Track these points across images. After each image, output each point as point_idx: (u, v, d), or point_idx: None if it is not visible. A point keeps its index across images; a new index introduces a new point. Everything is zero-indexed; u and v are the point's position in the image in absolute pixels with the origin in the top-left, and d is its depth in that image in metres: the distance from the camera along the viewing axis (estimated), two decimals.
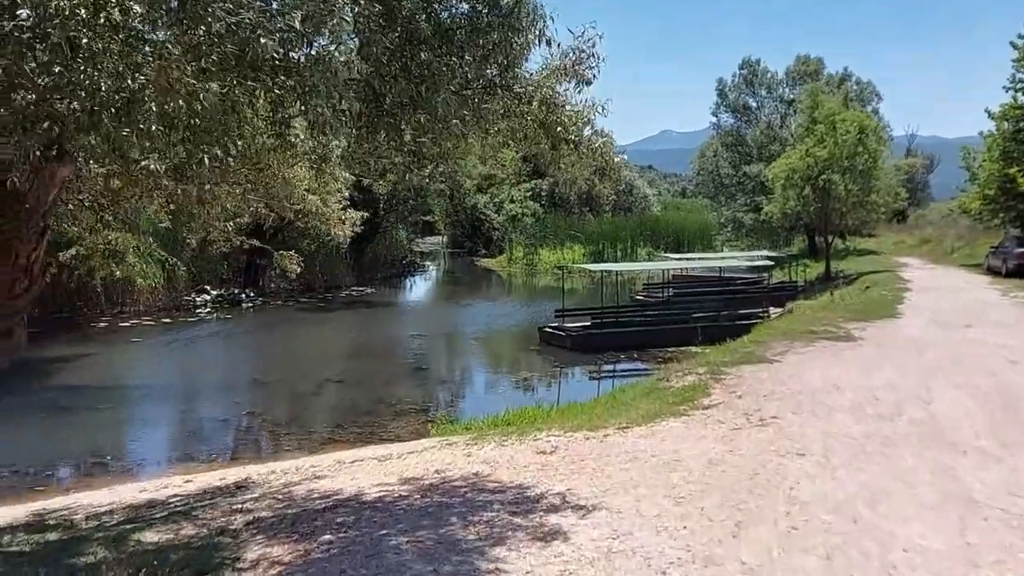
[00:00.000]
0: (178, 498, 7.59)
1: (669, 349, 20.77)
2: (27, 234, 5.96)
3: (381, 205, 37.58)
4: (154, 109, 3.28)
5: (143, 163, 3.81)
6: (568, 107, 6.01)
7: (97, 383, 15.92)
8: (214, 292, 26.95)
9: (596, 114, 5.94)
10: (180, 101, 3.30)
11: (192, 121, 3.54)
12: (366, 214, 29.02)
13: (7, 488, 10.04)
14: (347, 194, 29.83)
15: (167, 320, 23.62)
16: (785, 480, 6.18)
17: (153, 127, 3.31)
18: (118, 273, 10.27)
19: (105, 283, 24.58)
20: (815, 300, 27.36)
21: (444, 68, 4.96)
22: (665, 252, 50.30)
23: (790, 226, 42.24)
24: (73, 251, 9.10)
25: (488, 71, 5.40)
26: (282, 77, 3.95)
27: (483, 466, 7.14)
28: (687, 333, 21.88)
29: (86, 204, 7.02)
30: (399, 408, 14.39)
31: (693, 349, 20.86)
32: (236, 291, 27.63)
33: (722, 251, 48.27)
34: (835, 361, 11.87)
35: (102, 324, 22.36)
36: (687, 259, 33.47)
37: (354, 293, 32.03)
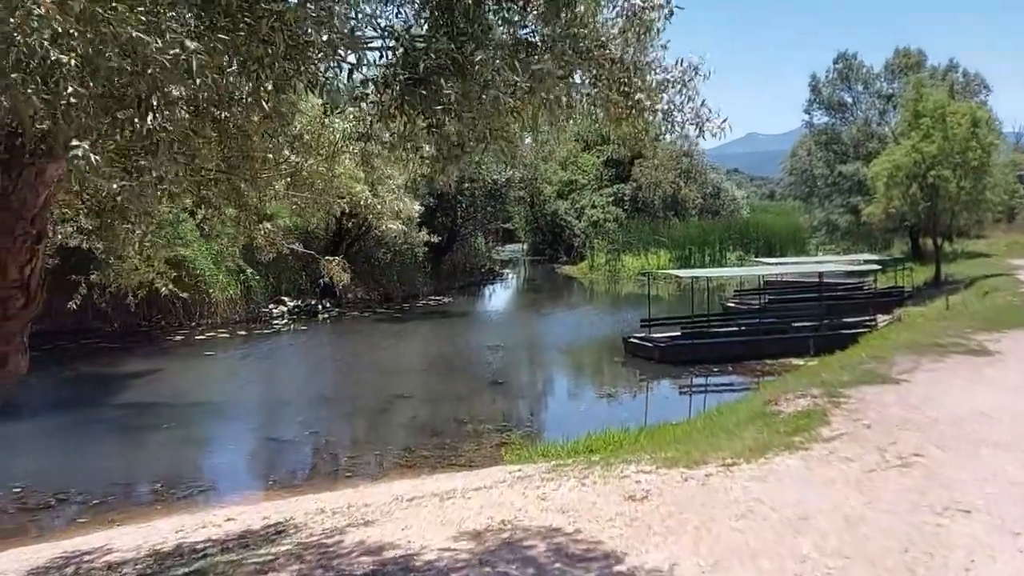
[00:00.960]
0: (209, 543, 6.62)
1: (767, 361, 19.10)
2: (17, 244, 5.05)
3: (459, 213, 36.82)
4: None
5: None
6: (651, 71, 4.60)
7: (164, 400, 15.39)
8: (291, 303, 26.55)
9: (691, 76, 4.53)
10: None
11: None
12: (419, 207, 28.06)
13: (52, 518, 9.37)
14: (412, 197, 29.15)
15: (242, 333, 23.23)
16: (952, 553, 4.71)
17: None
18: (164, 290, 9.40)
19: (182, 296, 24.53)
20: (927, 307, 25.01)
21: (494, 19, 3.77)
22: (756, 257, 47.94)
23: (892, 228, 39.41)
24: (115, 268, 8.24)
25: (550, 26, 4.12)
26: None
27: (559, 517, 5.88)
28: (787, 344, 20.11)
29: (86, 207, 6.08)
30: (472, 427, 13.29)
31: (795, 362, 19.14)
32: (312, 302, 27.15)
33: (816, 255, 45.64)
34: (975, 381, 10.13)
35: (178, 337, 22.11)
36: (784, 263, 31.24)
37: (432, 303, 31.25)
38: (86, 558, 6.64)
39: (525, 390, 17.23)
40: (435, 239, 30.56)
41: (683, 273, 23.94)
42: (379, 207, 21.04)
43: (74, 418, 13.82)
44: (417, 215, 29.26)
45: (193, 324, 24.03)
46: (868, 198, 46.83)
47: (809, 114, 49.10)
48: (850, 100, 48.58)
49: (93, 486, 10.41)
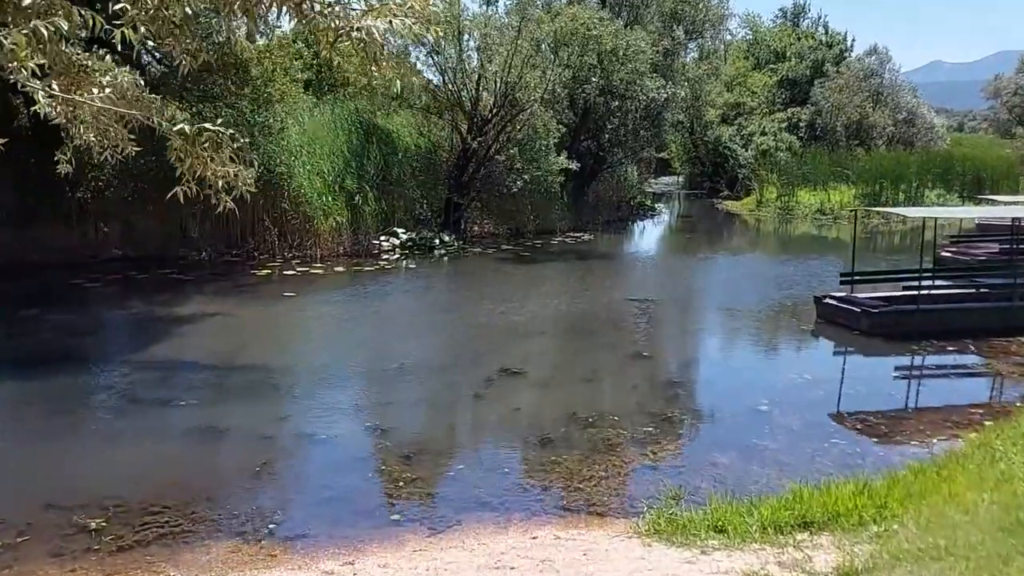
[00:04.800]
0: None
1: (1022, 339, 13.49)
2: None
3: (607, 136, 31.73)
4: None
5: None
6: None
7: (199, 359, 11.92)
8: (404, 235, 22.83)
9: None
10: None
11: None
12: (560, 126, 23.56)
13: None
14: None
15: (339, 269, 19.70)
16: None
17: None
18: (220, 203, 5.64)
19: (282, 223, 21.34)
20: None
21: None
22: (961, 196, 39.97)
23: None
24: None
25: None
26: None
27: None
28: None
29: None
30: (598, 434, 8.89)
31: None
32: (430, 235, 23.33)
33: None
34: None
35: (264, 272, 18.84)
36: None
37: (569, 240, 26.74)
38: None
39: (679, 371, 12.54)
40: (575, 166, 25.86)
41: (912, 212, 18.05)
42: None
43: (61, 384, 10.55)
44: (556, 134, 24.68)
45: (289, 256, 20.80)
46: None
47: None
48: None
49: (27, 502, 6.95)
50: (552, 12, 26.09)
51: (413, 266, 20.66)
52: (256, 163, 8.11)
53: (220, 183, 5.57)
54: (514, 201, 26.43)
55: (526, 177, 24.28)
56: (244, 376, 11.20)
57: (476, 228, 26.76)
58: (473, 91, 24.36)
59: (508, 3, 26.61)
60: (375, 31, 4.33)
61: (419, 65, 24.96)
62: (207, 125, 5.30)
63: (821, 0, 57.64)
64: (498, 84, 23.70)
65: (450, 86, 24.60)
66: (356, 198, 22.11)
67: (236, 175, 5.58)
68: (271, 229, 21.00)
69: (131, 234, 20.26)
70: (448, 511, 6.96)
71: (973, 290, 15.59)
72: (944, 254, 21.34)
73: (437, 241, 23.15)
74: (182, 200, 5.59)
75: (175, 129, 5.14)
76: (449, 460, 8.33)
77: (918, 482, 6.39)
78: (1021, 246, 18.39)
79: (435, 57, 24.08)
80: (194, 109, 19.87)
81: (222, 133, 5.37)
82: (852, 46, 51.68)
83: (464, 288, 18.91)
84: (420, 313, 16.04)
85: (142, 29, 4.77)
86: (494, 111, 24.06)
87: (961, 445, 8.39)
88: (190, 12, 4.83)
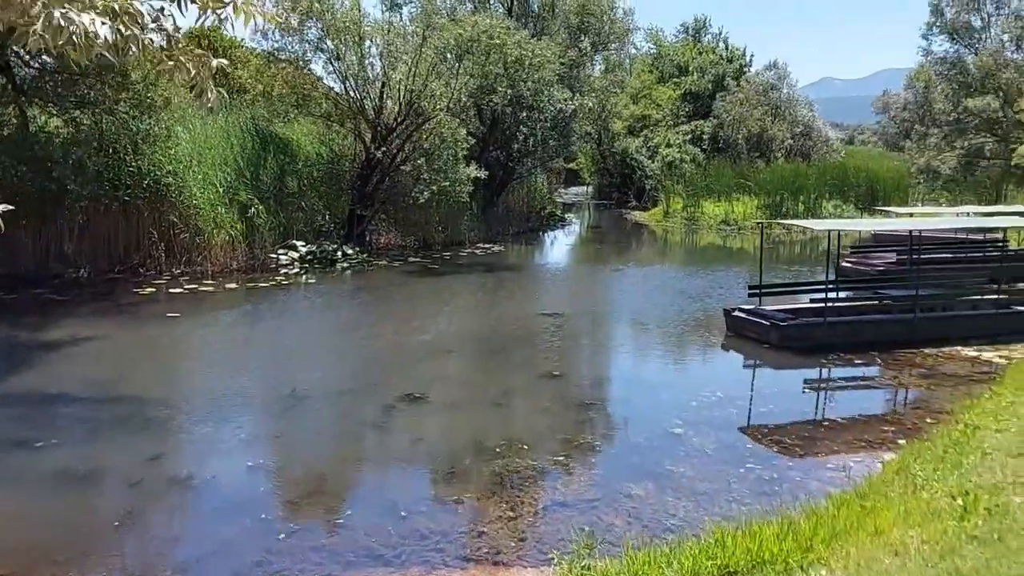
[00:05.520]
0: None
1: (925, 351, 13.62)
2: None
3: (515, 147, 31.34)
4: None
5: None
6: None
7: (67, 391, 10.71)
8: (304, 248, 21.73)
9: None
10: None
11: None
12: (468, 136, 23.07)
13: None
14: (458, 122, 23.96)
15: (232, 285, 18.50)
16: None
17: None
18: None
19: (170, 237, 19.93)
20: None
21: None
22: (856, 207, 41.43)
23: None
24: None
25: None
26: None
27: None
28: (948, 326, 14.64)
29: None
30: (506, 466, 8.26)
31: (965, 352, 13.66)
32: (332, 247, 22.30)
33: (919, 205, 39.01)
34: None
35: (148, 290, 17.48)
36: (943, 214, 24.48)
37: (479, 251, 26.16)
38: None
39: (592, 391, 12.04)
40: (483, 175, 25.30)
41: (817, 224, 18.11)
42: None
43: None
44: (465, 144, 24.05)
45: (177, 272, 19.43)
46: (996, 138, 39.84)
47: (928, 40, 42.01)
48: (979, 24, 41.31)
49: None
50: (456, 20, 25.49)
51: (312, 281, 19.63)
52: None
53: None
54: (421, 212, 25.69)
55: (434, 187, 23.55)
56: (115, 409, 10.09)
57: (382, 240, 25.90)
58: (376, 99, 23.51)
59: (412, 10, 25.92)
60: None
61: (319, 71, 23.99)
62: None
63: (721, 16, 59.41)
64: (402, 92, 22.94)
65: (352, 93, 23.68)
66: (251, 210, 20.90)
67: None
68: (158, 244, 19.61)
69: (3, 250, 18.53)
70: (336, 567, 6.17)
71: (877, 302, 15.73)
72: (844, 264, 21.76)
73: (339, 254, 22.16)
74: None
75: None
76: (340, 503, 7.52)
77: (842, 517, 5.99)
78: (917, 256, 18.88)
79: (335, 63, 23.11)
80: (68, 115, 18.40)
81: None
82: (751, 61, 53.21)
83: (366, 304, 18.01)
84: (317, 333, 15.07)
85: None
86: (399, 120, 23.28)
87: (878, 469, 8.14)
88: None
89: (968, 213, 24.21)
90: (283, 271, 20.65)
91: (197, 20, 3.39)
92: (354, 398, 10.86)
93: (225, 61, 3.62)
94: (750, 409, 10.87)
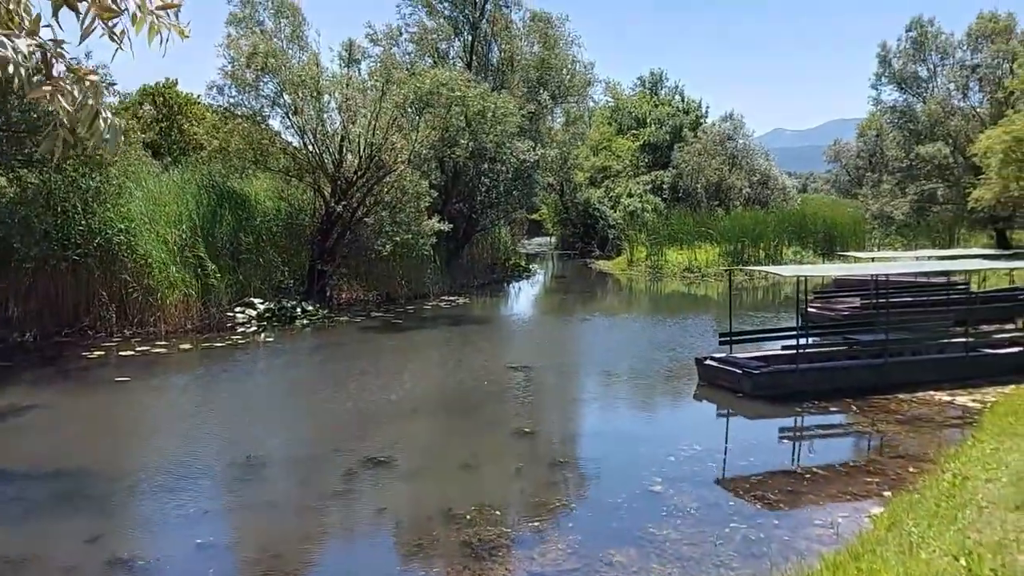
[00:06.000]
0: None
1: (900, 397, 13.44)
2: None
3: (478, 199, 31.19)
4: None
5: None
6: None
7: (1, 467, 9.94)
8: (262, 306, 21.08)
9: None
10: None
11: None
12: (431, 190, 22.88)
13: None
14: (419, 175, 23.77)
15: (186, 346, 17.77)
16: None
17: None
18: None
19: (121, 297, 19.17)
20: None
21: None
22: (815, 253, 41.95)
23: (1005, 216, 33.59)
24: None
25: None
26: None
27: None
28: (917, 370, 14.54)
29: None
30: (477, 535, 7.73)
31: (939, 397, 13.49)
32: (291, 304, 21.68)
33: (876, 249, 39.56)
34: None
35: (96, 354, 16.67)
36: (902, 258, 24.62)
37: (444, 304, 25.69)
38: None
39: (565, 449, 11.56)
40: (447, 227, 24.98)
41: (786, 271, 18.03)
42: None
43: None
44: (428, 197, 23.75)
45: (129, 333, 18.64)
46: (947, 183, 40.83)
47: (877, 89, 43.14)
48: (925, 74, 42.55)
49: None
50: (415, 73, 25.44)
51: (271, 339, 18.97)
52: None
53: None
54: (384, 265, 25.24)
55: (396, 240, 23.14)
56: (54, 485, 9.34)
57: (344, 295, 25.34)
58: (336, 153, 23.19)
59: (371, 64, 25.84)
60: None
61: (276, 126, 23.66)
62: None
63: (677, 70, 60.80)
64: (362, 145, 22.67)
65: (311, 148, 23.34)
66: (206, 267, 20.24)
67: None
68: (108, 304, 18.84)
69: None
70: None
71: (846, 347, 15.57)
72: (809, 310, 21.69)
73: (299, 311, 21.55)
74: None
75: None
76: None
77: None
78: (883, 301, 18.88)
79: (293, 118, 22.80)
80: (14, 173, 17.76)
81: None
82: (707, 112, 54.29)
83: (328, 362, 17.37)
84: (275, 394, 14.40)
85: None
86: (359, 173, 22.96)
87: (867, 524, 7.77)
88: None
89: (928, 257, 24.47)
90: (240, 330, 19.96)
91: (81, 39, 2.95)
92: (314, 464, 10.24)
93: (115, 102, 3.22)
94: (728, 462, 10.47)
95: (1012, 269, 21.54)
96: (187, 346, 17.74)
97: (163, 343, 17.84)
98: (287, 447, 10.92)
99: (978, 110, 37.69)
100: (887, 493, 8.92)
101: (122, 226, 19.08)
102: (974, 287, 23.45)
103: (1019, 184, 23.59)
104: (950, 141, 38.67)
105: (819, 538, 7.72)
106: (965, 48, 40.75)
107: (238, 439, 11.34)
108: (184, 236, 20.35)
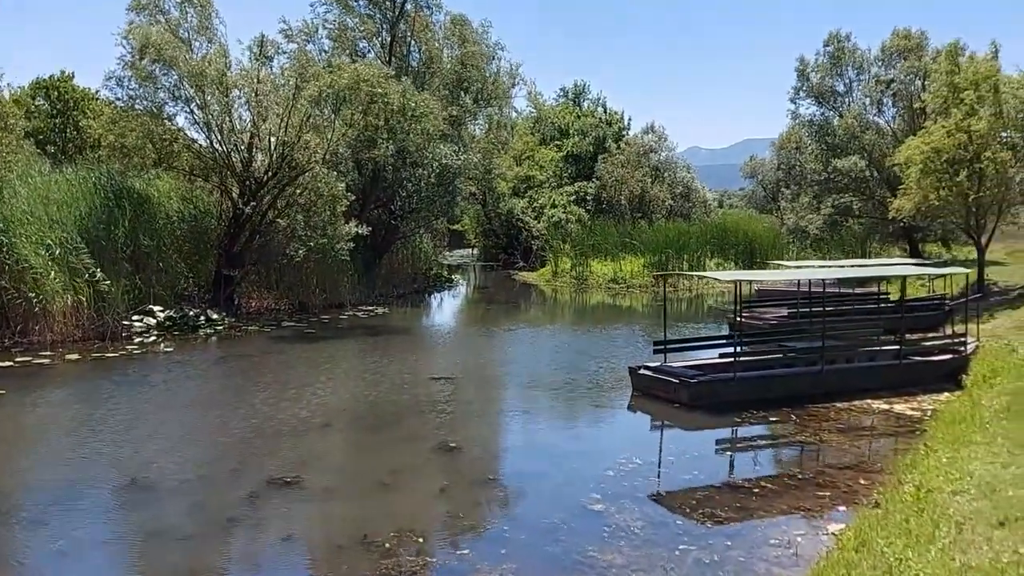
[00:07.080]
0: None
1: (837, 405, 13.05)
2: None
3: (398, 204, 30.03)
4: None
5: None
6: None
7: None
8: (162, 314, 19.42)
9: None
10: None
11: None
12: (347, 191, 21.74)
13: None
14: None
15: (73, 357, 16.07)
16: None
17: None
18: None
19: (1, 303, 17.29)
20: (1004, 321, 19.45)
21: None
22: (737, 264, 42.32)
23: (923, 226, 34.42)
24: None
25: None
26: None
27: None
28: (851, 379, 14.27)
29: None
30: (395, 566, 6.71)
31: (874, 404, 13.17)
32: (195, 312, 20.07)
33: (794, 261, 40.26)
34: None
35: None
36: (842, 266, 24.57)
37: (361, 314, 24.43)
38: None
39: (494, 464, 10.59)
40: (365, 231, 23.68)
41: (724, 276, 17.56)
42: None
43: None
44: (345, 200, 22.46)
45: (10, 343, 16.78)
46: (863, 196, 41.85)
47: (795, 103, 43.98)
48: (842, 88, 43.58)
49: None
50: (333, 69, 24.16)
51: (170, 350, 17.39)
52: None
53: None
54: (298, 273, 23.84)
55: (311, 244, 21.77)
56: None
57: (253, 303, 23.81)
58: (245, 151, 21.72)
59: (284, 59, 24.48)
60: None
61: (182, 122, 22.04)
62: None
63: (599, 82, 61.01)
64: (273, 144, 21.29)
65: (217, 146, 21.80)
66: (97, 272, 18.47)
67: None
68: None
69: None
70: None
71: (781, 355, 15.15)
72: (737, 319, 21.40)
73: (203, 319, 19.99)
74: None
75: None
76: None
77: None
78: (817, 309, 18.67)
79: (198, 113, 21.24)
80: None
81: None
82: (630, 124, 54.51)
83: (232, 375, 15.94)
84: (170, 409, 12.94)
85: None
86: (269, 173, 21.54)
87: (827, 542, 7.09)
88: None
89: (852, 266, 24.57)
90: (137, 340, 18.30)
91: None
92: (210, 487, 8.98)
93: None
94: (671, 477, 9.71)
95: (944, 275, 21.76)
96: (75, 356, 16.04)
97: (47, 353, 16.10)
98: (180, 468, 9.60)
99: (891, 125, 38.68)
100: (842, 508, 8.31)
101: (1, 226, 17.21)
102: (893, 297, 23.67)
103: (939, 195, 23.89)
104: (865, 155, 39.54)
105: (777, 560, 7.00)
106: (880, 64, 41.83)
107: (124, 460, 9.96)
108: (71, 238, 18.51)
